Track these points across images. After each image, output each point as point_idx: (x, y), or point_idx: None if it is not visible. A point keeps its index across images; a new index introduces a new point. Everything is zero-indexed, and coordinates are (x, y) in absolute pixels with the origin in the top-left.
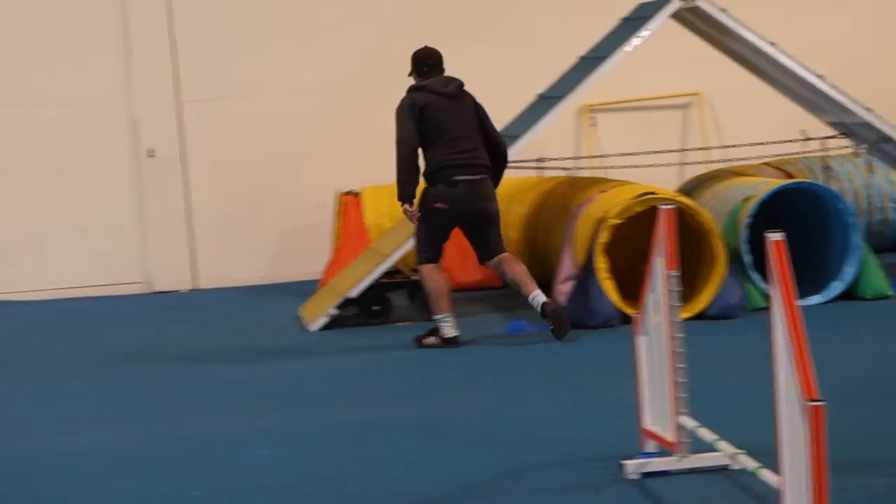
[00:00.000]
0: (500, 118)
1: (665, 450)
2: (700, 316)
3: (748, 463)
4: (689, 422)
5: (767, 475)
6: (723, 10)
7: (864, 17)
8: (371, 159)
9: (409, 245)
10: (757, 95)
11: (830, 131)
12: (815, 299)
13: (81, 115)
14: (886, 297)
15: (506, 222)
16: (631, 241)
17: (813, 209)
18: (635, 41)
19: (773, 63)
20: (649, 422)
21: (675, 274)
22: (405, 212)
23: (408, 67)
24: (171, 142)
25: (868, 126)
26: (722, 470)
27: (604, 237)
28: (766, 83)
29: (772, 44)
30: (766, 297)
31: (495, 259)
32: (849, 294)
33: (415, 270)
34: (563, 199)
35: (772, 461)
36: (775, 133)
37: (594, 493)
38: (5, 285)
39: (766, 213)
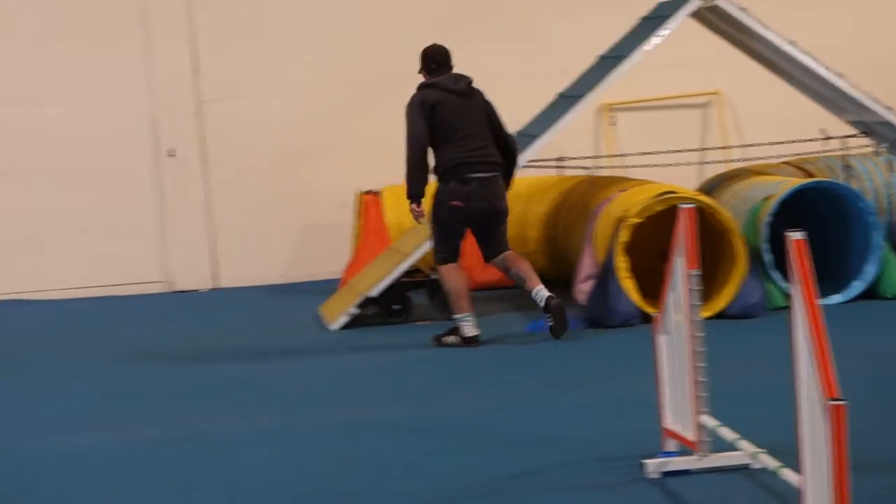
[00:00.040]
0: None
1: (685, 449)
2: (720, 315)
3: (769, 462)
4: (709, 421)
5: (788, 474)
6: (742, 8)
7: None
8: (391, 158)
9: (430, 244)
10: (777, 94)
11: (851, 130)
12: (835, 298)
13: (102, 115)
14: None
15: (525, 221)
16: (651, 240)
17: (833, 208)
18: (655, 40)
19: (793, 62)
20: (670, 421)
21: (695, 273)
22: (412, 211)
23: (414, 67)
24: (192, 141)
25: (888, 125)
26: (743, 469)
27: (624, 236)
28: (786, 82)
29: (791, 42)
30: (787, 296)
31: (500, 257)
32: (870, 293)
33: (435, 269)
34: (582, 198)
35: (793, 460)
36: (795, 132)
37: (611, 492)
38: (27, 284)
39: (787, 212)
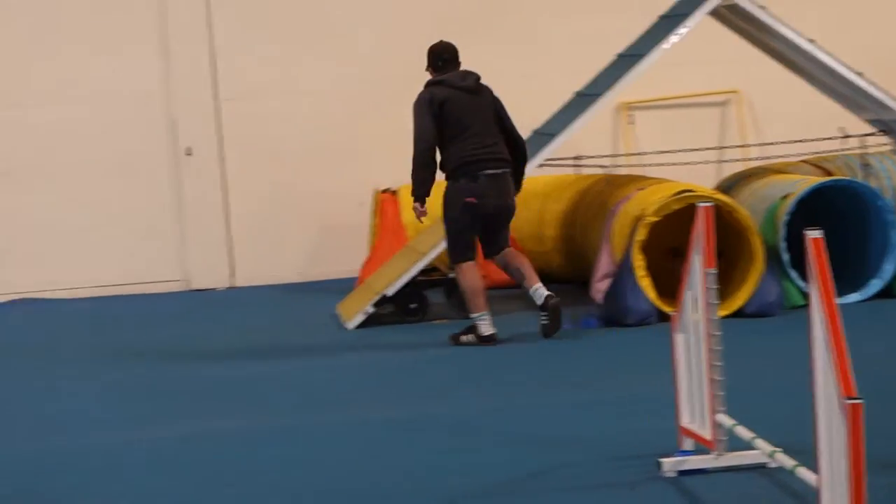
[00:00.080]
0: None
1: (702, 447)
2: (738, 314)
3: (786, 461)
4: (726, 419)
5: (805, 473)
6: (761, 6)
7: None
8: (408, 157)
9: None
10: (795, 93)
11: (869, 128)
12: (853, 297)
13: (120, 114)
14: None
15: (543, 220)
16: (664, 238)
17: (852, 206)
18: (673, 38)
19: (812, 60)
20: (686, 419)
21: (712, 271)
22: (415, 209)
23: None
24: (209, 140)
25: None
26: (759, 468)
27: (641, 235)
28: (805, 80)
29: (811, 40)
30: (805, 294)
31: (500, 254)
32: (888, 292)
33: (451, 268)
34: (600, 196)
35: (810, 459)
36: (814, 130)
37: (629, 490)
38: (44, 283)
39: (805, 210)
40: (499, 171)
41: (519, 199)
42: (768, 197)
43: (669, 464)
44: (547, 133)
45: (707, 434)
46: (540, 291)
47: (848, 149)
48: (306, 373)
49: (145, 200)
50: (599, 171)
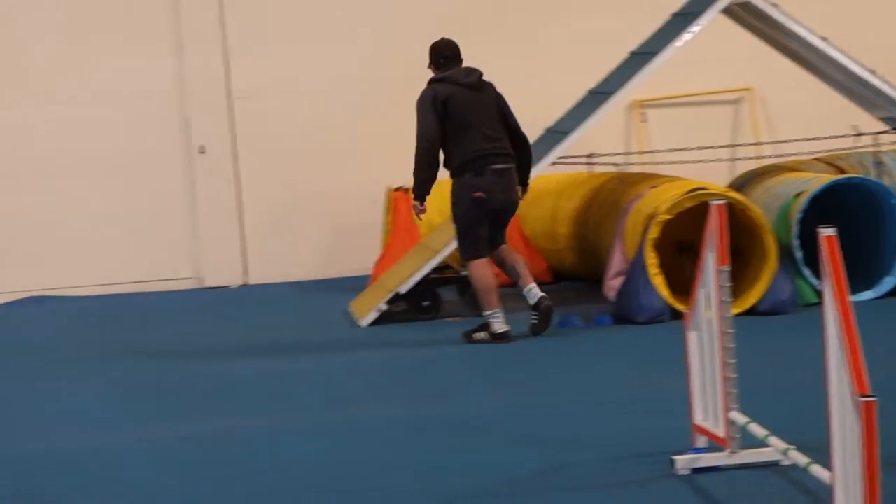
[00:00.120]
0: None
1: (715, 445)
2: (751, 311)
3: (799, 459)
4: (739, 417)
5: (819, 471)
6: (774, 4)
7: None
8: None
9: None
10: (808, 90)
11: (882, 126)
12: (866, 295)
13: (133, 112)
14: None
15: (556, 218)
16: (674, 235)
17: (865, 204)
18: (686, 36)
19: (825, 58)
20: (700, 417)
21: (726, 269)
22: (414, 207)
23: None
24: (223, 138)
25: None
26: (773, 466)
27: (654, 233)
28: (818, 78)
29: (823, 38)
30: (818, 292)
31: (496, 250)
32: None
33: (464, 265)
34: (613, 194)
35: (823, 457)
36: (826, 128)
37: (640, 488)
38: (58, 280)
39: (818, 208)
40: (505, 166)
41: (531, 197)
42: (781, 195)
43: (683, 461)
44: (560, 131)
45: (720, 432)
46: (534, 292)
47: (861, 146)
48: (319, 370)
49: (159, 198)
50: (612, 168)
